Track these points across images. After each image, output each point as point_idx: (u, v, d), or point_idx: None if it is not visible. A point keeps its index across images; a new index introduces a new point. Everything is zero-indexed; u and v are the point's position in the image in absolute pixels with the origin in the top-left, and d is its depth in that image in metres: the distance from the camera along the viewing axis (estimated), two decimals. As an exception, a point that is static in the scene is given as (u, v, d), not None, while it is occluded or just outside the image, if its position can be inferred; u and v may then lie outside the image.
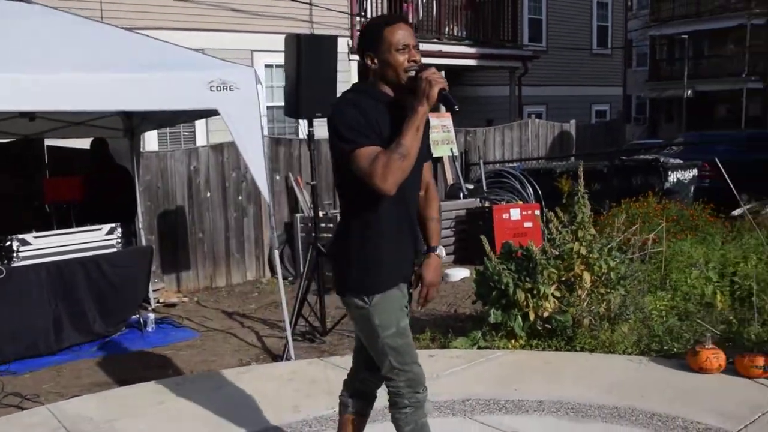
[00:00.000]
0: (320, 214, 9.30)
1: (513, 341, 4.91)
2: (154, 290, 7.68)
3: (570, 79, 19.01)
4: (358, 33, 2.74)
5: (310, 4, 11.41)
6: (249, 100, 4.98)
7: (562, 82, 18.83)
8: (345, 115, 2.44)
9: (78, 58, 4.69)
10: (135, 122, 7.14)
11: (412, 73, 2.45)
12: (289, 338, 5.34)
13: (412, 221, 2.67)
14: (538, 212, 8.84)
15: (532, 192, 9.87)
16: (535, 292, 4.74)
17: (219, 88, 4.83)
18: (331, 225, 8.44)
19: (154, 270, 8.07)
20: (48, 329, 5.74)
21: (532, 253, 4.86)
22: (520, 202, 9.73)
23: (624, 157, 10.08)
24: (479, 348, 4.91)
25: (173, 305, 7.62)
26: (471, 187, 10.12)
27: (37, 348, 5.66)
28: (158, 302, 7.61)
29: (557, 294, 4.79)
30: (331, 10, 11.69)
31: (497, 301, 4.88)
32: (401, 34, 2.46)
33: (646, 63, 35.21)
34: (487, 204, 9.28)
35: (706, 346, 4.32)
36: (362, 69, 2.63)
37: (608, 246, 4.86)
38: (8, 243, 5.66)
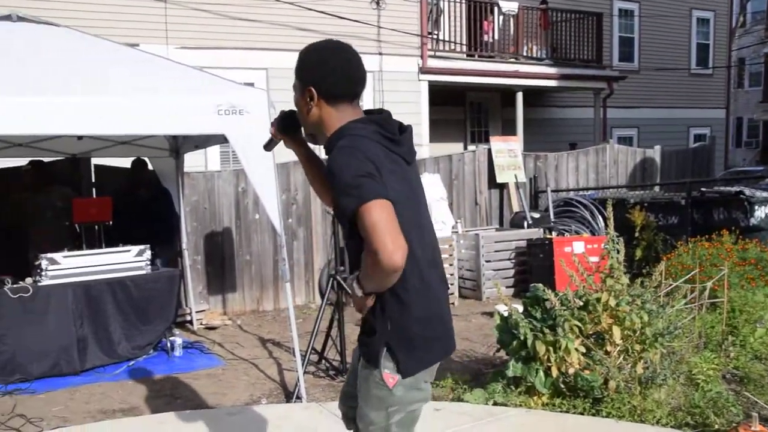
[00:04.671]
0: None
1: (535, 398, 4.39)
2: (198, 311, 7.61)
3: (665, 101, 17.81)
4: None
5: (378, 26, 11.19)
6: (261, 125, 4.74)
7: (656, 104, 17.62)
8: None
9: (77, 80, 4.61)
10: (179, 142, 7.07)
11: None
12: (301, 377, 5.04)
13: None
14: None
15: (603, 223, 9.15)
16: (558, 345, 4.20)
17: (227, 112, 4.63)
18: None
19: (200, 291, 8.02)
20: (72, 349, 5.74)
21: (552, 301, 4.31)
22: (587, 234, 9.06)
23: (703, 189, 9.15)
24: (494, 404, 4.41)
25: (214, 328, 7.50)
26: (537, 216, 9.50)
27: (60, 367, 5.66)
28: (201, 324, 7.52)
29: (582, 349, 4.22)
30: (399, 32, 11.43)
31: (518, 352, 4.39)
32: None
33: (760, 83, 32.89)
34: (551, 234, 8.69)
35: (752, 428, 3.60)
36: None
37: (640, 296, 4.21)
38: (38, 262, 5.71)
